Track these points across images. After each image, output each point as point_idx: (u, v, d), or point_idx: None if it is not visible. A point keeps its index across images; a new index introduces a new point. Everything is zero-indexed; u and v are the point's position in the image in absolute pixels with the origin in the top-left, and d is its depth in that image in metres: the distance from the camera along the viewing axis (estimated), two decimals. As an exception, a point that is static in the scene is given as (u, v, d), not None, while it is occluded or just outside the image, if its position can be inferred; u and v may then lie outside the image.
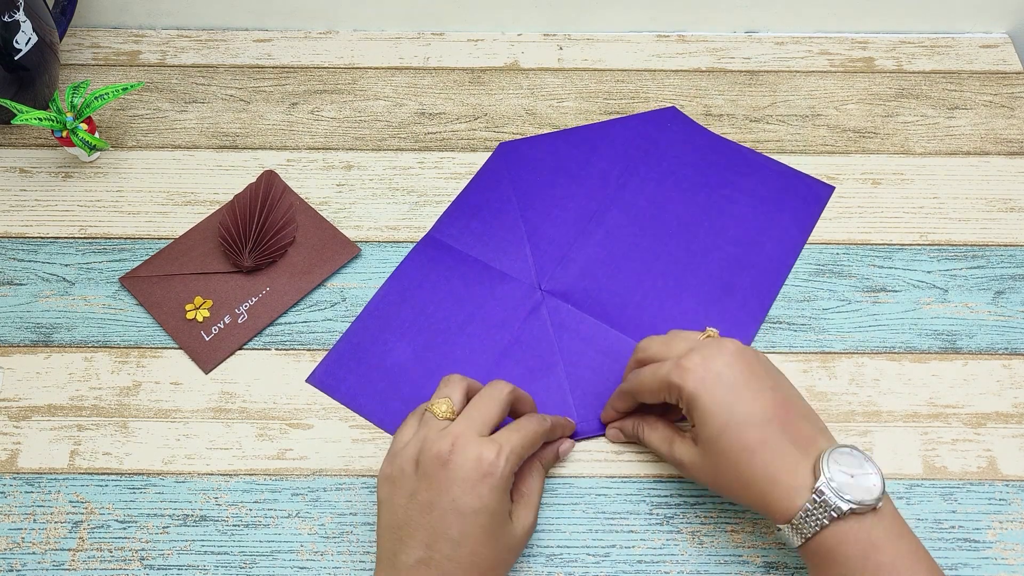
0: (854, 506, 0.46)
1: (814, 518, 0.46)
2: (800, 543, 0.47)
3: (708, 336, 0.53)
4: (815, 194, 0.71)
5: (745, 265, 0.67)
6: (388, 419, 0.61)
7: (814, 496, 0.46)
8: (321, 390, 0.62)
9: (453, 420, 0.51)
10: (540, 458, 0.56)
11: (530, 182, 0.72)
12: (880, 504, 0.47)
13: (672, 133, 0.75)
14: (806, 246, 0.69)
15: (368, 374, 0.62)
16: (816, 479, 0.47)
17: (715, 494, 0.58)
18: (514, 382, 0.61)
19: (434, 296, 0.66)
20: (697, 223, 0.69)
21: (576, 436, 0.60)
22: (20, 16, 0.69)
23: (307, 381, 0.62)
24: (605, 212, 0.70)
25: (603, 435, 0.60)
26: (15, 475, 0.59)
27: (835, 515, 0.46)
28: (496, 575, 0.50)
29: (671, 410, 0.58)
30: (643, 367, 0.55)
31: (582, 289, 0.66)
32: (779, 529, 0.48)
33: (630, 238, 0.69)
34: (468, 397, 0.53)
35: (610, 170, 0.72)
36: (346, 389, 0.62)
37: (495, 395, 0.52)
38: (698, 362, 0.51)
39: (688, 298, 0.66)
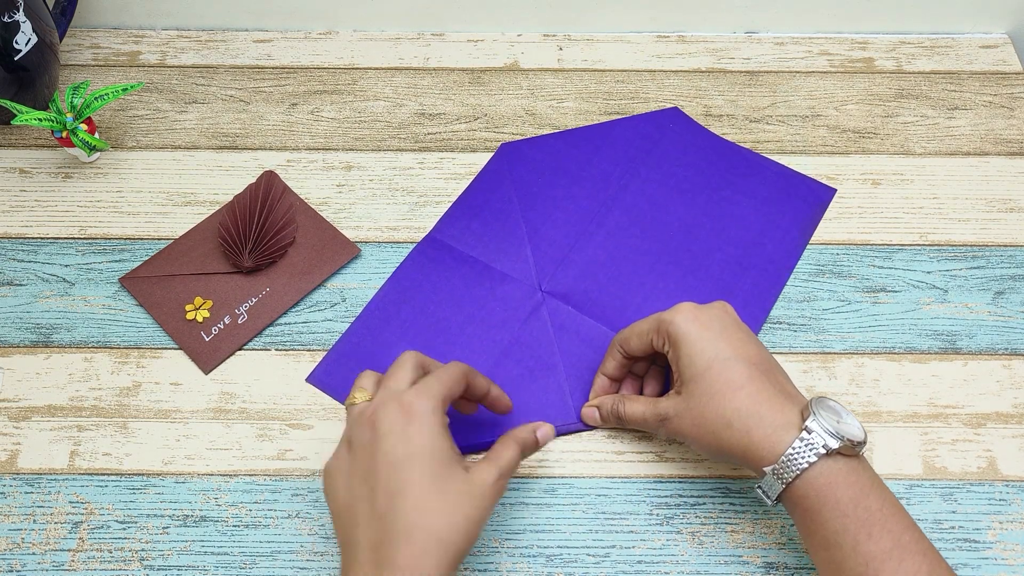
0: (843, 443, 0.46)
1: (801, 455, 0.46)
2: (781, 489, 0.47)
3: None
4: (817, 196, 0.71)
5: (746, 267, 0.67)
6: None
7: (803, 432, 0.47)
8: (320, 389, 0.62)
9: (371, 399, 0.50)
10: (514, 436, 0.52)
11: (531, 183, 0.72)
12: (862, 452, 0.48)
13: (674, 134, 0.75)
14: (806, 246, 0.69)
15: None
16: (804, 419, 0.47)
17: (713, 487, 0.58)
18: (514, 383, 0.62)
19: (434, 296, 0.66)
20: (698, 225, 0.69)
21: (572, 429, 0.60)
22: (20, 16, 0.68)
23: (307, 380, 0.62)
24: (606, 213, 0.70)
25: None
26: (15, 475, 0.59)
27: (824, 451, 0.46)
28: (455, 528, 0.45)
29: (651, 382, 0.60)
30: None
31: (582, 291, 0.66)
32: (761, 476, 0.48)
33: (631, 239, 0.69)
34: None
35: (612, 171, 0.72)
36: (345, 388, 0.62)
37: (402, 360, 0.51)
38: (690, 307, 0.54)
39: (688, 300, 0.65)
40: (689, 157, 0.73)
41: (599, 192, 0.71)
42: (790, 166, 0.73)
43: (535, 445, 0.54)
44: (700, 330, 0.52)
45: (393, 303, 0.66)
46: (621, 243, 0.68)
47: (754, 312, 0.65)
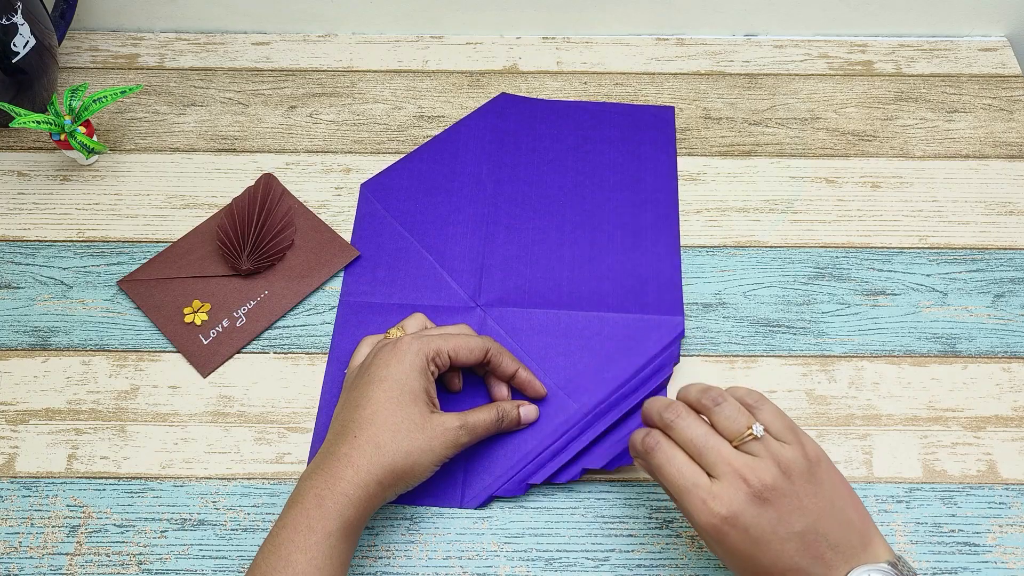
0: None
1: None
2: None
3: (749, 435, 0.46)
4: (660, 118, 0.76)
5: (639, 203, 0.71)
6: None
7: None
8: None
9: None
10: (497, 404, 0.58)
11: (410, 212, 0.71)
12: None
13: (515, 115, 0.76)
14: (806, 249, 0.68)
15: None
16: None
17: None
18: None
19: None
20: (579, 184, 0.72)
21: (578, 427, 0.60)
22: (18, 19, 0.68)
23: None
24: (495, 211, 0.70)
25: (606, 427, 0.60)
26: (13, 479, 0.58)
27: None
28: (396, 447, 0.51)
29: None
30: (673, 453, 0.48)
31: (514, 288, 0.66)
32: None
33: (530, 223, 0.70)
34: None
35: (478, 171, 0.73)
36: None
37: (416, 315, 0.60)
38: (718, 518, 0.45)
39: (607, 254, 0.68)
40: (539, 130, 0.75)
41: (477, 194, 0.71)
42: (789, 169, 0.73)
43: (516, 421, 0.59)
44: (724, 550, 0.46)
45: (341, 379, 0.63)
46: (523, 231, 0.69)
47: (668, 242, 0.68)
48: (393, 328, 0.59)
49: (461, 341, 0.57)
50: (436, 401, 0.55)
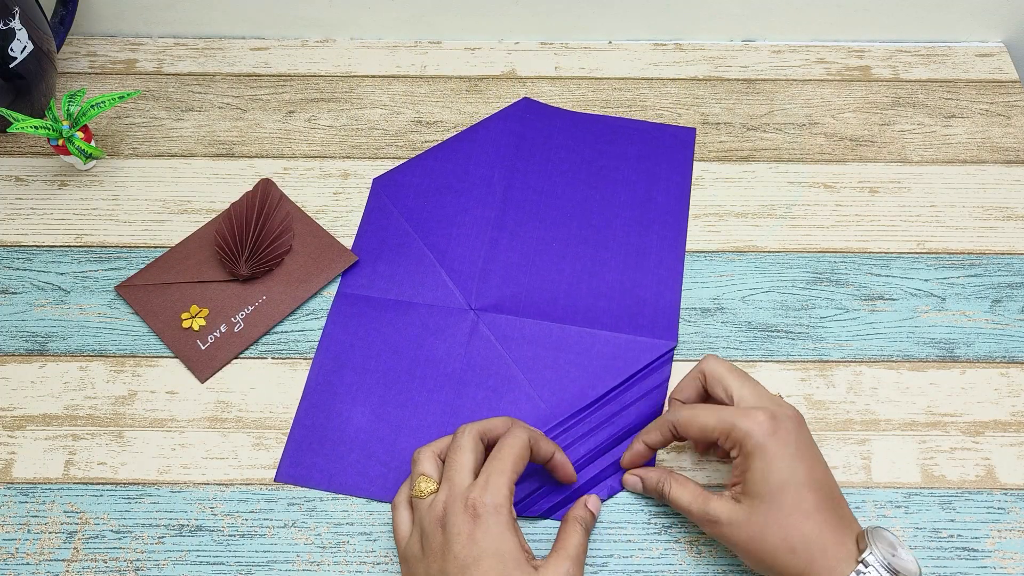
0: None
1: None
2: None
3: (776, 395, 0.54)
4: (680, 139, 0.75)
5: (647, 223, 0.70)
6: (374, 488, 0.58)
7: (860, 566, 0.46)
8: (294, 484, 0.59)
9: (438, 491, 0.50)
10: (574, 518, 0.53)
11: (418, 209, 0.71)
12: None
13: (534, 122, 0.76)
14: (804, 254, 0.69)
15: (335, 451, 0.60)
16: (860, 550, 0.47)
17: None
18: (481, 406, 0.61)
19: (371, 351, 0.64)
20: (589, 199, 0.72)
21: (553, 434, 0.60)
22: (15, 24, 0.68)
23: (276, 480, 0.59)
24: (502, 216, 0.70)
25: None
26: (9, 485, 0.58)
27: None
28: None
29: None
30: (696, 405, 0.54)
31: (510, 295, 0.66)
32: None
33: (535, 233, 0.69)
34: (442, 459, 0.52)
35: (490, 175, 0.73)
36: (319, 475, 0.59)
37: (462, 443, 0.51)
38: (766, 417, 0.50)
39: (608, 271, 0.67)
40: (556, 139, 0.75)
41: (486, 198, 0.71)
42: (787, 174, 0.73)
43: (593, 519, 0.55)
44: (777, 447, 0.49)
45: (332, 371, 0.63)
46: (527, 239, 0.69)
47: (671, 265, 0.68)
48: (422, 481, 0.51)
49: (511, 457, 0.50)
50: (529, 548, 0.49)
